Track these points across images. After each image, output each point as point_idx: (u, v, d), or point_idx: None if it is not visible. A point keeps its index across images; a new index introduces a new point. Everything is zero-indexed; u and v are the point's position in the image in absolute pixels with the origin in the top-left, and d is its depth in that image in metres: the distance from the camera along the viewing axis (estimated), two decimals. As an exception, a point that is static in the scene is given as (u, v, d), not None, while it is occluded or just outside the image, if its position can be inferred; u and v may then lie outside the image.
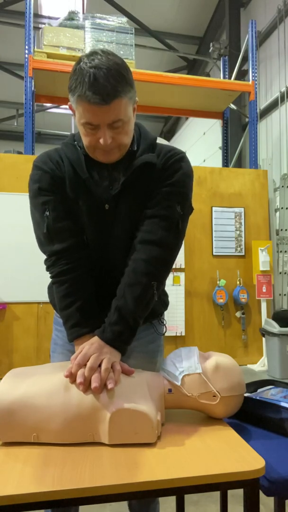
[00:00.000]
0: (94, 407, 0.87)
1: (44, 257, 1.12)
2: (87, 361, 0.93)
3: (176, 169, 1.09)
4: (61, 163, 1.09)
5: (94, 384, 0.88)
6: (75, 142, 1.10)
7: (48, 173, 1.08)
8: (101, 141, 0.97)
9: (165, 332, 1.27)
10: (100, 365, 0.93)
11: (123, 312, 1.01)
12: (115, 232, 1.10)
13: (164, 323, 1.27)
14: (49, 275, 1.11)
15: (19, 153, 4.91)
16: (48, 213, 1.07)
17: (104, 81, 0.91)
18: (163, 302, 1.25)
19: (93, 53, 0.96)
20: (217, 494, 1.52)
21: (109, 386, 0.89)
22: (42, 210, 1.08)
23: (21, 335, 3.89)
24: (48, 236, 1.08)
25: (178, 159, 1.10)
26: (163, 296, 1.25)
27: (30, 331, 3.91)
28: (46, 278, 1.18)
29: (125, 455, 0.82)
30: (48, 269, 1.11)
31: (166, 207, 1.07)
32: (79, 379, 0.90)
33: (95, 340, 0.99)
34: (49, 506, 0.71)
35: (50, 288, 1.23)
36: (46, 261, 1.11)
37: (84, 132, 1.00)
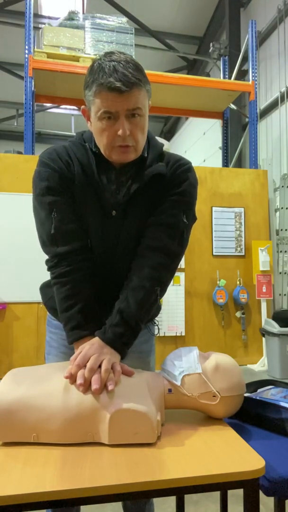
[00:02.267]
0: (94, 407, 0.87)
1: (46, 257, 1.11)
2: (87, 362, 0.93)
3: (184, 179, 1.10)
4: (71, 163, 1.07)
5: (94, 386, 0.88)
6: (85, 143, 1.09)
7: (57, 172, 1.06)
8: (120, 132, 0.96)
9: (158, 333, 1.29)
10: (100, 366, 0.93)
11: (125, 314, 1.01)
12: (120, 237, 1.10)
13: (156, 323, 1.29)
14: (50, 275, 1.10)
15: (19, 153, 4.91)
16: (55, 213, 1.05)
17: (124, 70, 0.94)
18: (157, 307, 1.26)
19: (109, 53, 0.98)
20: (217, 494, 1.52)
21: (109, 387, 0.89)
22: (49, 210, 1.06)
23: (21, 335, 3.89)
24: (53, 237, 1.06)
25: (186, 170, 1.12)
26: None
27: (30, 331, 3.91)
28: (46, 278, 1.18)
29: (125, 455, 0.82)
30: (49, 269, 1.10)
31: (172, 215, 1.08)
32: (79, 380, 0.89)
33: (95, 341, 0.99)
34: (49, 506, 0.71)
35: (42, 289, 1.22)
36: (48, 262, 1.10)
37: (101, 127, 0.98)
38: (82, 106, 1.03)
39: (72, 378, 0.91)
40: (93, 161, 1.06)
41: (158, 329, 1.29)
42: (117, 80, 0.92)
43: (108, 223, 1.08)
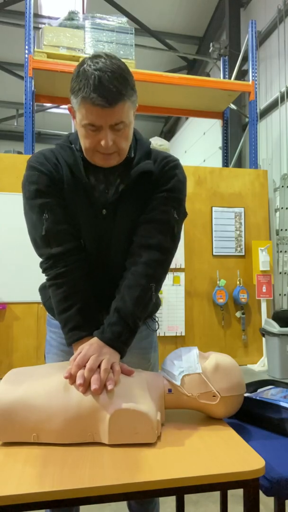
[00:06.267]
0: (94, 407, 0.87)
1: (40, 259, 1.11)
2: (87, 362, 0.93)
3: (172, 176, 1.12)
4: (59, 165, 1.08)
5: (93, 385, 0.88)
6: (72, 145, 1.10)
7: (46, 175, 1.07)
8: (103, 143, 0.97)
9: (158, 328, 1.29)
10: (99, 366, 0.93)
11: (122, 313, 1.01)
12: (112, 236, 1.10)
13: (156, 319, 1.29)
14: (45, 277, 1.11)
15: (19, 153, 4.92)
16: (46, 215, 1.06)
17: (109, 83, 0.92)
18: (156, 304, 1.26)
19: (96, 56, 0.96)
20: (217, 494, 1.52)
21: (109, 387, 0.89)
22: (40, 213, 1.06)
23: (21, 335, 3.89)
24: (46, 239, 1.07)
25: (174, 166, 1.13)
26: (156, 298, 1.26)
27: (30, 331, 3.91)
28: (45, 279, 1.18)
29: (125, 455, 0.82)
30: (44, 271, 1.10)
31: (162, 212, 1.09)
32: (78, 380, 0.89)
33: (94, 341, 0.99)
34: (49, 506, 0.71)
35: (42, 290, 1.23)
36: (42, 264, 1.10)
37: (85, 133, 0.99)
38: (69, 105, 1.03)
39: (71, 378, 0.91)
40: (80, 162, 1.06)
41: (158, 325, 1.30)
42: (101, 95, 0.92)
43: (99, 222, 1.09)
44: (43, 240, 1.07)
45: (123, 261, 1.10)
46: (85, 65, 0.95)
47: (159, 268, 1.08)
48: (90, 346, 0.97)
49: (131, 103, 0.98)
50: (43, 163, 1.08)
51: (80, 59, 4.31)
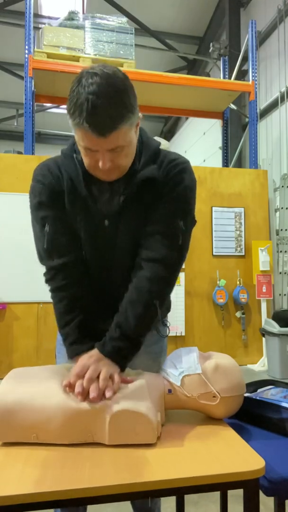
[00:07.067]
0: (94, 408, 0.87)
1: (44, 269, 1.11)
2: (86, 372, 0.93)
3: (178, 182, 1.06)
4: (61, 177, 1.07)
5: (92, 394, 0.88)
6: (74, 155, 1.06)
7: (48, 188, 1.07)
8: (100, 164, 0.95)
9: (168, 333, 1.27)
10: (98, 377, 0.93)
11: (123, 329, 1.00)
12: (115, 248, 1.08)
13: (168, 324, 1.26)
14: (48, 287, 1.11)
15: (19, 153, 4.92)
16: (47, 228, 1.06)
17: (102, 111, 0.87)
18: (167, 307, 1.24)
19: (93, 74, 0.89)
20: (217, 494, 1.52)
21: (107, 395, 0.88)
22: (41, 224, 1.07)
23: (21, 335, 3.89)
24: (47, 251, 1.07)
25: (181, 170, 1.07)
26: (167, 303, 1.24)
27: (30, 331, 3.91)
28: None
29: (125, 455, 0.82)
30: (46, 282, 1.11)
31: (168, 223, 1.05)
32: (77, 389, 0.89)
33: (94, 353, 0.98)
34: (49, 506, 0.71)
35: None
36: (45, 275, 1.11)
37: (84, 153, 0.97)
38: None
39: (70, 387, 0.91)
40: (81, 175, 1.04)
41: (169, 330, 1.26)
42: (94, 126, 0.87)
43: (101, 234, 1.07)
44: (45, 252, 1.08)
45: (127, 273, 1.08)
46: (79, 86, 0.89)
47: (164, 284, 1.06)
48: (90, 358, 0.97)
49: (129, 125, 0.92)
50: (46, 175, 1.08)
51: (80, 59, 4.34)
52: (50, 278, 1.09)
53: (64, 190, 1.07)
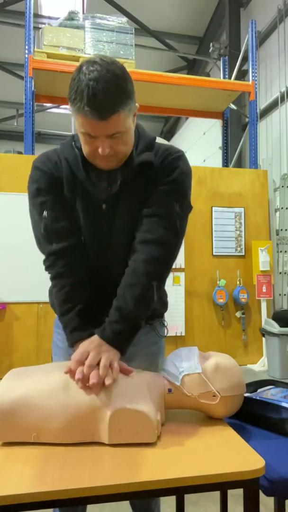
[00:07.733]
0: (94, 407, 0.87)
1: (43, 257, 1.12)
2: (86, 358, 0.94)
3: (174, 168, 1.09)
4: (59, 163, 1.10)
5: (92, 380, 0.89)
6: (74, 143, 1.10)
7: (46, 174, 1.09)
8: (100, 150, 0.98)
9: (167, 334, 1.27)
10: (99, 363, 0.93)
11: (123, 311, 1.01)
12: (113, 232, 1.10)
13: (166, 324, 1.27)
14: (48, 275, 1.11)
15: (19, 153, 4.92)
16: (46, 213, 1.08)
17: (102, 95, 0.90)
18: (163, 302, 1.25)
19: (93, 63, 0.93)
20: (217, 494, 1.52)
21: (107, 382, 0.89)
22: (40, 210, 1.08)
23: (21, 335, 3.89)
24: (46, 236, 1.08)
25: (176, 158, 1.10)
26: (163, 296, 1.24)
27: (30, 331, 3.91)
28: (46, 278, 1.18)
29: (125, 455, 0.82)
30: (47, 269, 1.11)
31: (164, 205, 1.07)
32: (77, 376, 0.90)
33: (94, 339, 0.99)
34: (49, 506, 0.71)
35: (51, 291, 1.23)
36: (44, 261, 1.11)
37: (84, 140, 1.00)
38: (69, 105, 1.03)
39: (71, 373, 0.92)
40: (79, 159, 1.07)
41: (167, 330, 1.27)
42: (94, 109, 0.91)
43: (99, 218, 1.09)
44: (44, 237, 1.09)
45: (124, 258, 1.09)
46: (80, 74, 0.92)
47: (161, 265, 1.06)
48: (90, 344, 0.98)
49: (127, 111, 0.96)
50: (44, 162, 1.11)
51: (80, 59, 4.34)
52: (50, 264, 1.09)
53: (62, 176, 1.09)
